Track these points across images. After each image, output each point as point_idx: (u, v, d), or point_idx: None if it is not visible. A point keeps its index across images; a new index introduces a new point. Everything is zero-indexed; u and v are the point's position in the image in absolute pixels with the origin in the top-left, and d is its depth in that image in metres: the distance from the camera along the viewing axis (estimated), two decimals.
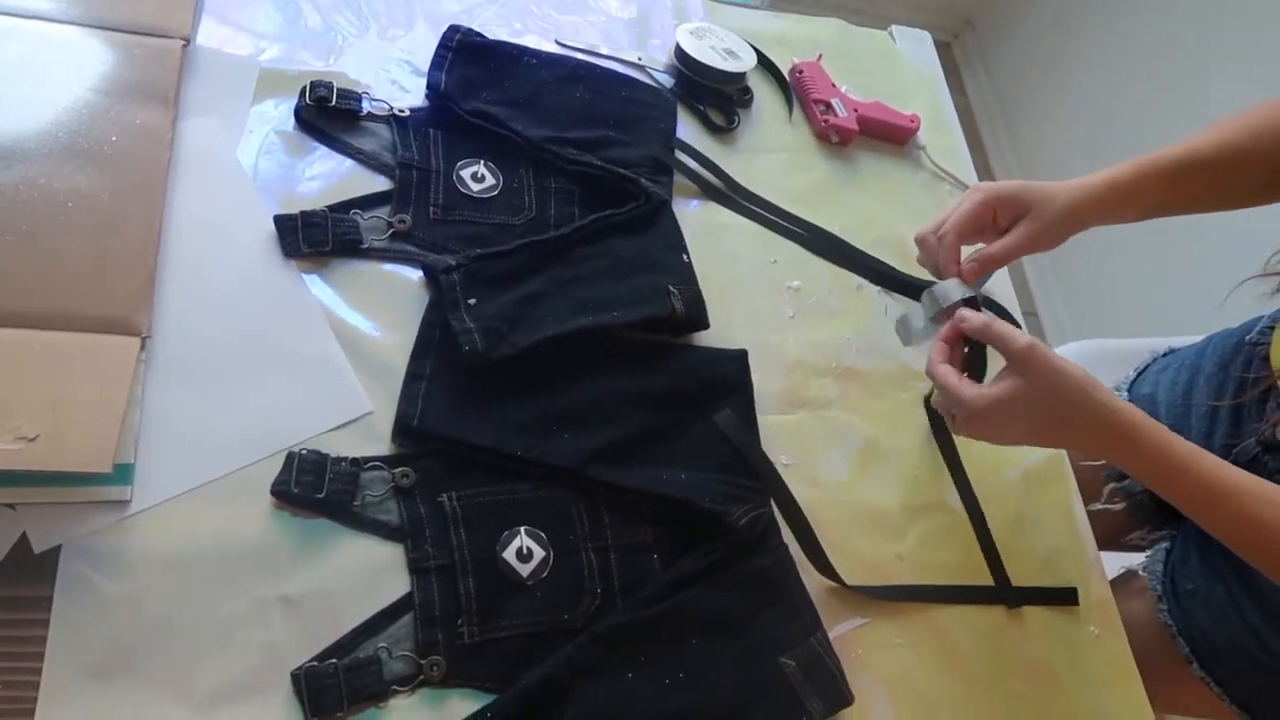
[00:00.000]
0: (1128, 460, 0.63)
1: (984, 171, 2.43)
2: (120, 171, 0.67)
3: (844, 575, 0.69)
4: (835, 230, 0.88)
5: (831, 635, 0.66)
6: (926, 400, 0.81)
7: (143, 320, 0.62)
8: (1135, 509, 0.94)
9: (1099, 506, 0.95)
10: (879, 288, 0.87)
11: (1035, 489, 0.81)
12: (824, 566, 0.68)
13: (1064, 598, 0.75)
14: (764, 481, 0.70)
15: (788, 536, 0.69)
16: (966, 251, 0.73)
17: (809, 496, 0.71)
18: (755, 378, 0.76)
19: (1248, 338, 0.83)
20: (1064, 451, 0.85)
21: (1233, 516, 0.61)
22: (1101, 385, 0.62)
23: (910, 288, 0.86)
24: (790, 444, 0.75)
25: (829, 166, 0.93)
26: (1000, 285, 0.93)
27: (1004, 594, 0.74)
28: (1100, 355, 1.18)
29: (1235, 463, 0.77)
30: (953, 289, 0.72)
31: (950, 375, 0.66)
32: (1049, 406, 0.62)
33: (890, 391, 0.81)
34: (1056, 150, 2.23)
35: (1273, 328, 0.80)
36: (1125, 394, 0.97)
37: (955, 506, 0.77)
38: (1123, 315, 1.99)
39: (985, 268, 0.73)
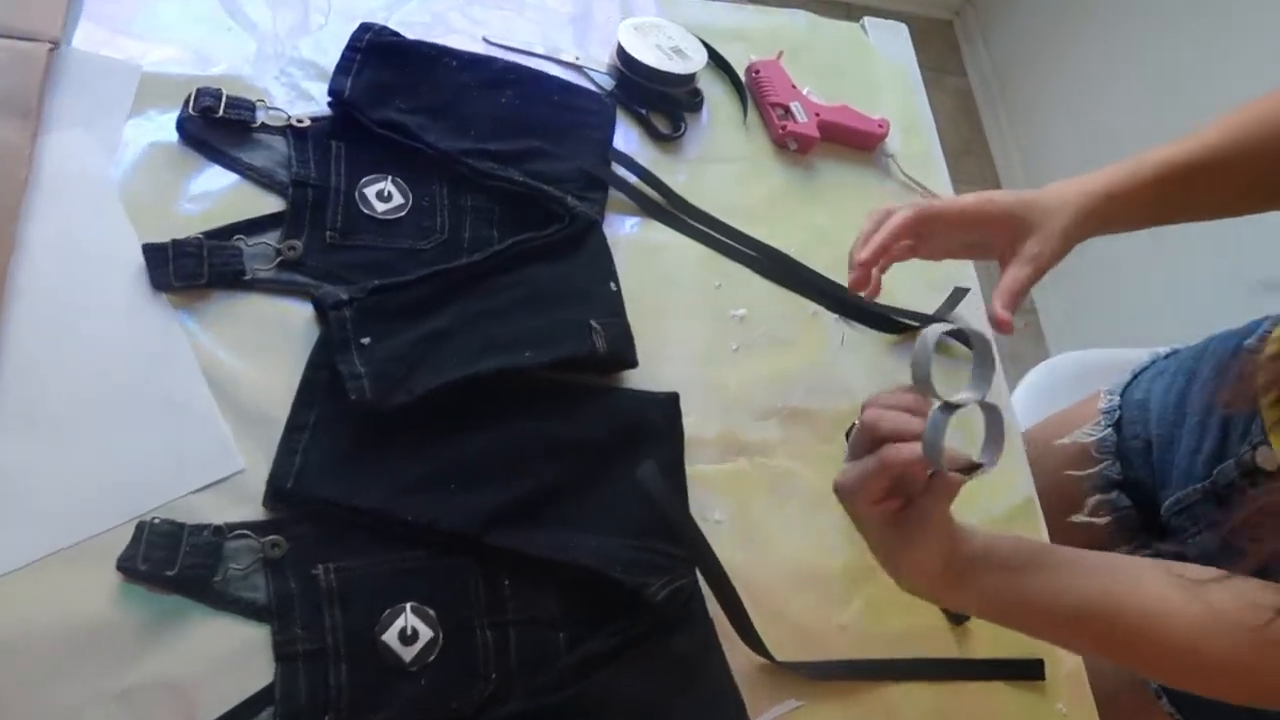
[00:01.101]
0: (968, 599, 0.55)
1: (984, 157, 2.33)
2: None
3: (778, 648, 0.62)
4: (789, 250, 0.80)
5: None
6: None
7: None
8: (1121, 523, 0.87)
9: (1082, 518, 0.88)
10: (836, 315, 0.79)
11: None
12: (753, 642, 0.61)
13: (1028, 671, 0.68)
14: (688, 548, 0.62)
15: (713, 608, 0.61)
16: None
17: (742, 559, 0.64)
18: (689, 421, 0.68)
19: (1247, 343, 0.75)
20: (1034, 498, 0.77)
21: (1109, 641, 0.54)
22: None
23: (868, 315, 0.78)
24: (725, 497, 0.67)
25: (786, 177, 0.85)
26: (974, 308, 0.84)
27: (956, 668, 0.66)
28: (1084, 368, 1.10)
29: (1214, 485, 0.71)
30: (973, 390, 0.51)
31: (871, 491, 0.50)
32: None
33: (840, 434, 0.73)
34: (1060, 133, 2.13)
35: (1272, 333, 0.72)
36: (1117, 398, 0.89)
37: None
38: (1123, 318, 1.90)
39: (1015, 302, 0.63)
